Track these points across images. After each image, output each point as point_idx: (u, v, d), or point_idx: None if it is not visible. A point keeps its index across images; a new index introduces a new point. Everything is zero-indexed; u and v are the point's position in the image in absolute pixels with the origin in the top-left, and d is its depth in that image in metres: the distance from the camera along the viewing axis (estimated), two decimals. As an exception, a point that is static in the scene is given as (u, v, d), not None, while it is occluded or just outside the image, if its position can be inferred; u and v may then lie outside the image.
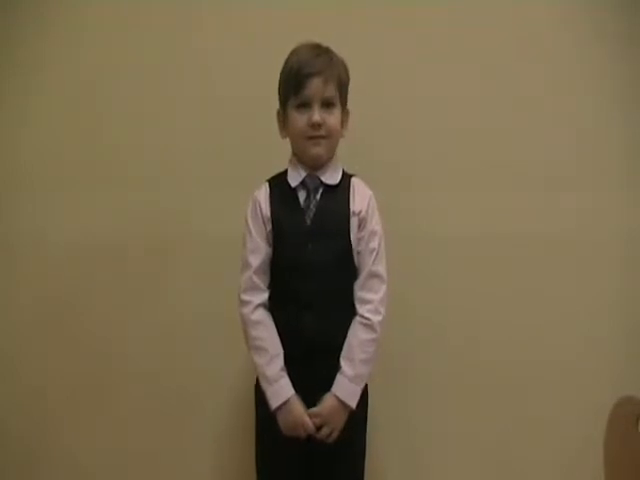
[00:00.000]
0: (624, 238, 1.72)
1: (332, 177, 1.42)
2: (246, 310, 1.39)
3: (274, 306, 1.40)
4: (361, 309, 1.38)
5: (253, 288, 1.40)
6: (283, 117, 1.44)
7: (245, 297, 1.40)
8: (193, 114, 1.78)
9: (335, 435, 1.35)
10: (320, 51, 1.41)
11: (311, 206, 1.40)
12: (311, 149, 1.40)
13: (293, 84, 1.38)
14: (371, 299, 1.38)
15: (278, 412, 1.35)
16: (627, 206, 1.72)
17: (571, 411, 1.70)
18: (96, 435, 1.79)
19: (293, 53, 1.42)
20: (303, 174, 1.42)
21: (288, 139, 1.45)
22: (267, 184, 1.45)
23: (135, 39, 1.79)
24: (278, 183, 1.44)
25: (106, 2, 1.80)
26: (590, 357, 1.71)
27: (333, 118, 1.40)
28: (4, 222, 1.83)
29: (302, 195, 1.41)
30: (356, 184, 1.45)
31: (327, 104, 1.39)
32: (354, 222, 1.40)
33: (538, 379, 1.72)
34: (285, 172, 1.45)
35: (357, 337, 1.36)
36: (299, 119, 1.39)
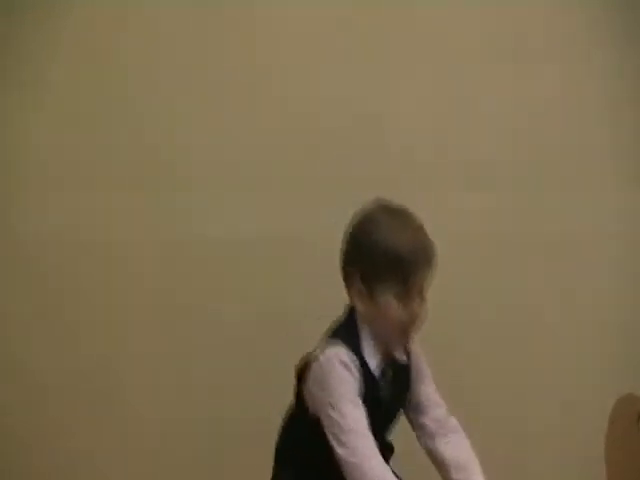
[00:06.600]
0: (624, 238, 1.73)
1: (401, 355, 1.28)
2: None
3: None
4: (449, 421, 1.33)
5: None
6: (367, 292, 1.19)
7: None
8: (193, 114, 1.77)
9: None
10: (423, 232, 1.20)
11: (384, 385, 1.24)
12: (400, 347, 1.27)
13: (400, 273, 1.17)
14: (441, 404, 1.33)
15: None
16: (627, 206, 1.73)
17: (572, 409, 1.69)
18: (95, 435, 1.78)
19: (393, 230, 1.18)
20: (379, 357, 1.24)
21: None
22: (353, 355, 1.19)
23: (135, 40, 1.78)
24: (356, 357, 1.20)
25: (106, 2, 1.80)
26: (591, 355, 1.71)
27: (424, 306, 1.23)
28: (4, 222, 1.83)
29: (377, 372, 1.24)
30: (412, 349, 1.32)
31: (420, 291, 1.21)
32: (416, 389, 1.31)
33: (538, 377, 1.72)
34: (358, 340, 1.21)
35: (467, 449, 1.31)
36: (398, 309, 1.19)
